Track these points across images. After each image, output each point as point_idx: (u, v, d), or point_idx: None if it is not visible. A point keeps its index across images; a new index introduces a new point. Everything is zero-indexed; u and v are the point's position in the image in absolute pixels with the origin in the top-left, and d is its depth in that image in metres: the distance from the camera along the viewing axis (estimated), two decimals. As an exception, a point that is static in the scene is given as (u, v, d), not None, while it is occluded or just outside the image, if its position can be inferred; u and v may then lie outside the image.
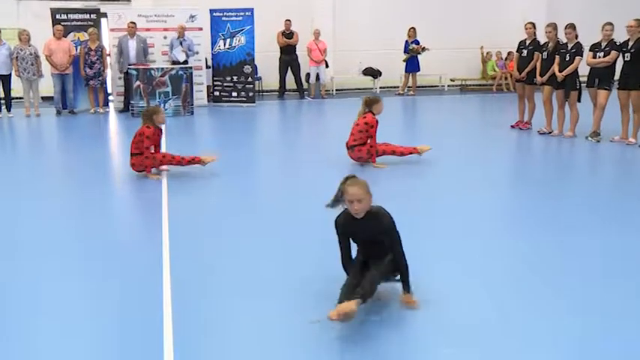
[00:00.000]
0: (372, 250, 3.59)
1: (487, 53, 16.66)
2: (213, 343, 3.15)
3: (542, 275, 4.01)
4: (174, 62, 12.53)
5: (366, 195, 3.42)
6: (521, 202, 5.97)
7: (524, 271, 4.11)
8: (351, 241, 3.65)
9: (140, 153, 6.66)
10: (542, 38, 9.81)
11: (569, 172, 7.52)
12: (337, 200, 3.52)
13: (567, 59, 9.06)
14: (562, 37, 9.47)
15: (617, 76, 8.90)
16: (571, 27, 9.10)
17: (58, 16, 12.59)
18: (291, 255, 4.37)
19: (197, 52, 13.10)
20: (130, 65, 12.12)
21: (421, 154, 7.34)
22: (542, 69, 9.55)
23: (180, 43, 12.63)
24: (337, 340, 3.17)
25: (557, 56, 9.22)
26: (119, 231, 5.06)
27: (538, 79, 9.61)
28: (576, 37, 9.08)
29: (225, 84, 13.58)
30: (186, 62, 12.56)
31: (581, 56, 8.99)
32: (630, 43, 8.50)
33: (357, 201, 3.39)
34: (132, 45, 12.32)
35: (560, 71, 9.10)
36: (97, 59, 12.25)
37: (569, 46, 9.09)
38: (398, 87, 15.91)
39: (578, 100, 9.15)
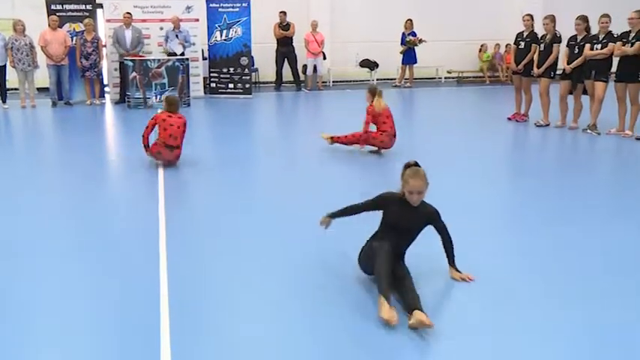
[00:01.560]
0: (403, 240, 3.70)
1: (483, 45, 16.68)
2: (210, 341, 3.14)
3: (542, 271, 4.03)
4: (170, 54, 12.48)
5: (426, 187, 3.57)
6: (521, 197, 5.96)
7: (523, 267, 4.13)
8: (385, 227, 3.68)
9: None
10: (540, 30, 9.79)
11: (569, 166, 7.49)
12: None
13: (576, 52, 9.05)
14: (559, 29, 9.47)
15: (613, 68, 8.91)
16: (581, 19, 9.08)
17: (53, 7, 12.49)
18: (289, 252, 4.34)
19: (193, 44, 13.04)
20: (125, 56, 12.07)
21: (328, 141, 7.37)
22: (539, 61, 9.55)
23: (176, 35, 12.56)
24: (334, 337, 3.17)
25: (567, 48, 9.22)
26: (115, 227, 5.00)
27: (535, 71, 9.61)
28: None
29: (221, 75, 13.53)
30: (182, 54, 12.50)
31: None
32: (632, 34, 8.48)
33: (417, 193, 3.54)
34: (127, 35, 12.27)
35: (568, 63, 9.11)
36: (93, 50, 12.17)
37: (579, 38, 9.07)
38: (395, 79, 15.89)
39: (584, 93, 9.18)
